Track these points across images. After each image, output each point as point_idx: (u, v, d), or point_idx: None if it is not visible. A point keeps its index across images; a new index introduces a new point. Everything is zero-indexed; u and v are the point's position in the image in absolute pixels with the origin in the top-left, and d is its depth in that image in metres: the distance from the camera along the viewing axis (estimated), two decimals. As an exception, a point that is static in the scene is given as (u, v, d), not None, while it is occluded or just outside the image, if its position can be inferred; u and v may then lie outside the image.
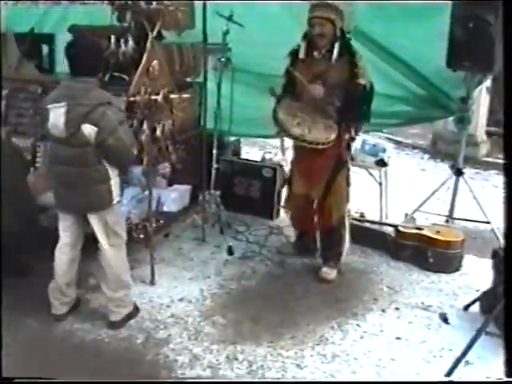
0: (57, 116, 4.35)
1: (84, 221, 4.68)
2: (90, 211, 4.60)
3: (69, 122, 4.31)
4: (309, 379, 4.27)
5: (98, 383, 4.12)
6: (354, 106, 5.24)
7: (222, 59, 6.10)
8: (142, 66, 4.82)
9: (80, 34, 5.40)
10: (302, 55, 5.33)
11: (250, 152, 9.14)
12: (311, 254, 5.89)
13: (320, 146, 5.17)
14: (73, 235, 4.75)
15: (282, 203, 6.31)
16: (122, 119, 4.45)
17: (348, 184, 5.57)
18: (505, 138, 3.63)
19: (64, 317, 4.82)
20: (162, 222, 5.65)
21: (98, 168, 4.47)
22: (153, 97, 4.90)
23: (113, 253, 4.68)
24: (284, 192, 6.20)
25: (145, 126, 4.99)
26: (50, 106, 4.39)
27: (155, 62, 4.87)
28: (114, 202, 4.63)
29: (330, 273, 5.62)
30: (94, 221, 4.60)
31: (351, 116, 5.28)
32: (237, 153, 7.61)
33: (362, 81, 5.19)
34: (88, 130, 4.31)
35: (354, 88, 5.18)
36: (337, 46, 5.19)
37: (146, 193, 5.38)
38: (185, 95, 5.42)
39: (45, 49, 6.72)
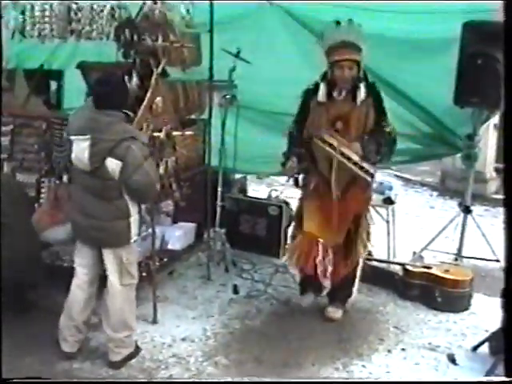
0: (81, 148, 4.32)
1: (101, 257, 4.61)
2: (106, 246, 4.54)
3: (93, 156, 4.28)
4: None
5: (98, 383, 4.04)
6: (377, 151, 5.15)
7: (228, 96, 6.09)
8: (145, 102, 4.81)
9: (107, 71, 5.41)
10: (322, 98, 5.14)
11: (258, 189, 9.09)
12: (317, 291, 5.67)
13: (351, 165, 5.11)
14: (90, 272, 4.68)
15: (288, 243, 6.00)
16: (146, 154, 4.41)
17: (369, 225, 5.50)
18: (505, 174, 3.57)
19: (76, 355, 4.72)
20: (165, 259, 5.64)
21: (119, 203, 4.43)
22: (155, 134, 4.88)
23: (123, 293, 4.60)
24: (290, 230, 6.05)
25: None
26: (73, 138, 4.37)
27: (159, 98, 4.87)
28: (132, 239, 4.57)
29: (335, 312, 5.53)
30: (109, 257, 4.54)
31: (372, 160, 5.18)
32: (243, 190, 7.57)
33: (388, 128, 5.15)
34: (112, 164, 4.28)
35: (380, 134, 5.11)
36: (362, 87, 5.09)
37: (150, 230, 5.33)
38: (188, 132, 5.40)
39: (53, 85, 6.77)
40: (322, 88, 5.14)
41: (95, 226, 4.46)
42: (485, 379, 4.25)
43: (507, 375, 3.42)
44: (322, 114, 5.18)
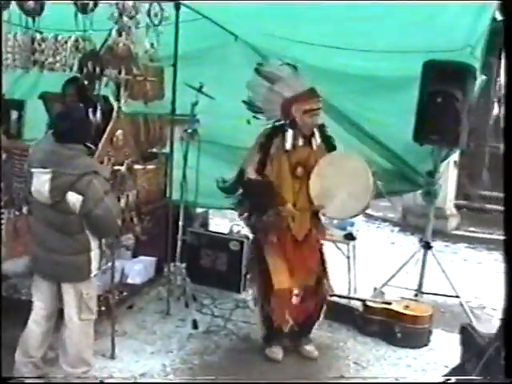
0: (41, 182, 4.26)
1: (59, 291, 4.50)
2: (66, 281, 4.44)
3: (54, 189, 4.22)
4: None
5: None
6: None
7: (189, 130, 6.08)
8: (106, 135, 4.77)
9: (70, 103, 5.59)
10: (288, 146, 5.15)
11: (221, 224, 9.05)
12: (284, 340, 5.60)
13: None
14: (48, 307, 4.57)
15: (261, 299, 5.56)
16: (107, 189, 4.37)
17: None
18: (506, 213, 3.58)
19: None
20: (125, 293, 5.56)
21: (80, 237, 4.36)
22: (116, 167, 4.84)
23: (81, 328, 4.51)
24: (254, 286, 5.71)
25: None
26: (34, 170, 4.31)
27: (119, 131, 4.83)
28: (92, 274, 4.49)
29: (314, 350, 5.47)
30: (69, 291, 4.44)
31: None
32: (205, 224, 7.56)
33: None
34: (73, 199, 4.22)
35: None
36: (316, 131, 5.21)
37: (110, 264, 5.27)
38: (150, 166, 5.37)
39: (14, 114, 6.71)
40: (290, 135, 5.15)
41: (55, 260, 4.38)
42: (484, 379, 4.24)
43: (507, 375, 3.41)
44: (283, 160, 5.20)
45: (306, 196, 5.21)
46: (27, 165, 4.50)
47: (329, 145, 5.30)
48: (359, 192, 5.09)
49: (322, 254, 5.44)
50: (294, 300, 5.31)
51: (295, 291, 5.30)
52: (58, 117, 4.55)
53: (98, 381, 4.47)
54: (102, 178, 4.35)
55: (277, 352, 5.41)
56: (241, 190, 5.37)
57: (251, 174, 5.22)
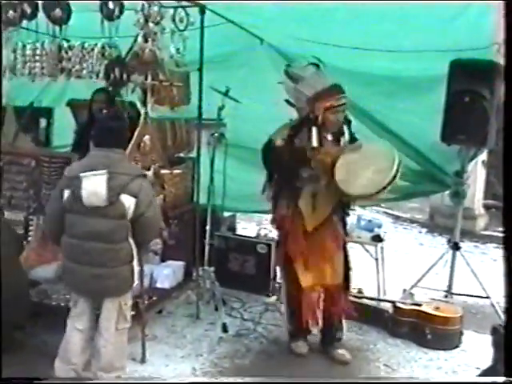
0: (96, 183, 4.19)
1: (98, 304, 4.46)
2: (109, 295, 4.39)
3: (110, 190, 4.19)
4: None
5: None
6: None
7: (216, 135, 6.10)
8: (133, 141, 4.80)
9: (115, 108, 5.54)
10: (315, 143, 5.11)
11: (248, 227, 9.07)
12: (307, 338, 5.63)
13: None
14: (88, 321, 4.50)
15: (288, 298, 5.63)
16: (154, 192, 4.43)
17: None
18: (504, 211, 3.56)
19: None
20: (154, 298, 5.57)
21: (125, 246, 4.32)
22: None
23: (117, 338, 4.49)
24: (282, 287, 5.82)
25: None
26: (83, 175, 4.21)
27: (147, 137, 4.86)
28: (134, 284, 4.50)
29: (346, 354, 5.44)
30: (109, 305, 4.40)
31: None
32: (232, 228, 7.56)
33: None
34: (128, 200, 4.23)
35: None
36: (346, 129, 5.21)
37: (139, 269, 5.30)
38: (176, 171, 5.40)
39: (43, 122, 6.79)
40: (315, 132, 5.12)
41: (97, 274, 4.29)
42: (485, 379, 4.21)
43: (507, 375, 3.38)
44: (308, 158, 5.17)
45: (328, 191, 5.16)
46: (70, 172, 4.36)
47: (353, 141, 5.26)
48: (383, 166, 4.99)
49: (347, 255, 5.41)
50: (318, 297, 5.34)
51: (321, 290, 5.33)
52: (105, 122, 4.57)
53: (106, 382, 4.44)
54: (149, 181, 4.41)
55: (301, 346, 5.45)
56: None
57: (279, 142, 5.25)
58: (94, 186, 4.20)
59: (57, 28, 5.01)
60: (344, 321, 5.54)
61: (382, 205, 10.24)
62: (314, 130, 5.12)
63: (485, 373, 4.88)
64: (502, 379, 3.58)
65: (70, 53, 5.03)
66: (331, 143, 5.20)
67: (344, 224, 5.44)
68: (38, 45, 5.08)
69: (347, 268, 5.40)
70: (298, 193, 5.22)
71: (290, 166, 5.17)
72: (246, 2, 5.33)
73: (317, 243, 5.23)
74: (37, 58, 5.07)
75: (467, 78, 5.74)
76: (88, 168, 4.24)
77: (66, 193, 4.28)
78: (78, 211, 4.26)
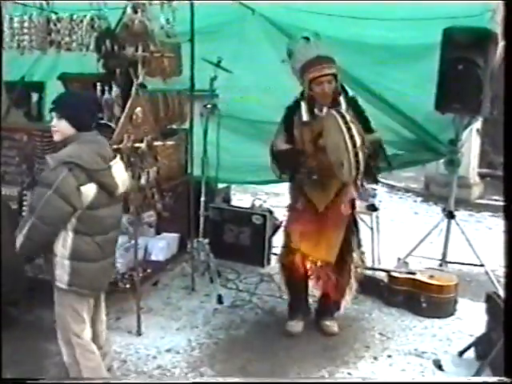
0: (121, 169, 3.99)
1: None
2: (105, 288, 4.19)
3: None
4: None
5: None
6: (373, 161, 5.04)
7: (209, 106, 6.07)
8: (125, 113, 4.77)
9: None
10: (305, 117, 5.07)
11: (243, 199, 9.06)
12: (307, 313, 5.64)
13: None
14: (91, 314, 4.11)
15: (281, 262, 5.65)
16: None
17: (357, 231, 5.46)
18: (505, 181, 3.55)
19: None
20: (149, 270, 5.57)
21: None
22: (136, 144, 4.84)
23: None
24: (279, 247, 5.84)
25: (129, 173, 4.91)
26: (112, 163, 3.87)
27: (139, 109, 4.82)
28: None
29: (334, 325, 5.47)
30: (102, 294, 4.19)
31: (370, 172, 5.08)
32: (227, 200, 7.55)
33: (377, 135, 5.09)
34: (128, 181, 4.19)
35: (370, 145, 4.91)
36: (342, 101, 5.05)
37: (133, 241, 5.30)
38: (170, 142, 5.36)
39: (34, 97, 6.74)
40: (304, 107, 5.08)
41: (113, 262, 4.13)
42: (485, 379, 4.24)
43: (507, 375, 3.40)
44: (304, 132, 5.11)
45: (329, 166, 5.04)
46: (78, 180, 3.71)
47: (359, 116, 5.07)
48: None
49: (350, 229, 5.32)
50: (315, 270, 5.35)
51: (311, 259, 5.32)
52: (94, 101, 4.26)
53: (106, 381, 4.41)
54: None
55: (295, 325, 5.44)
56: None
57: (279, 145, 5.17)
58: (121, 172, 3.99)
59: (44, 1, 4.95)
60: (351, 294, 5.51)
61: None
62: (303, 105, 5.08)
63: (478, 340, 4.93)
64: (503, 379, 3.60)
65: (58, 25, 4.96)
66: (321, 118, 5.04)
67: (353, 204, 5.34)
68: (26, 17, 5.02)
69: (350, 248, 5.34)
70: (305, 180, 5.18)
71: (293, 164, 5.16)
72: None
73: (321, 222, 5.20)
74: (25, 30, 5.01)
75: (461, 45, 5.69)
76: (102, 155, 3.82)
77: (91, 188, 3.74)
78: (105, 204, 3.85)
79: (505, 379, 3.39)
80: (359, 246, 5.46)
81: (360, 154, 4.54)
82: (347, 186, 5.18)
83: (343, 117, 4.62)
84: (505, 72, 3.54)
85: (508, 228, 3.42)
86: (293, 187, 5.36)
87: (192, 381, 4.33)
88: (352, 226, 5.36)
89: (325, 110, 4.99)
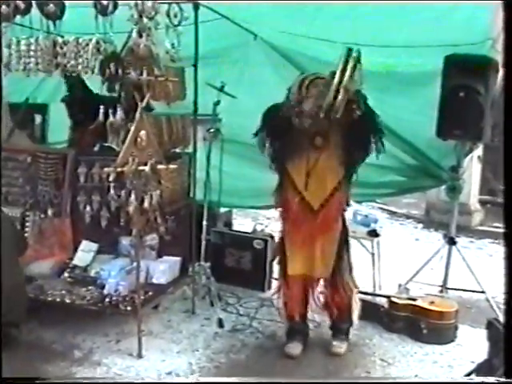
0: None
1: None
2: None
3: None
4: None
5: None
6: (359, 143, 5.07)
7: (212, 130, 6.11)
8: (129, 136, 4.80)
9: None
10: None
11: (244, 223, 9.08)
12: (306, 337, 5.61)
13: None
14: None
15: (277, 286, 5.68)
16: None
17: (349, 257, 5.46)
18: (505, 208, 3.57)
19: None
20: (150, 293, 5.58)
21: None
22: (140, 167, 4.87)
23: None
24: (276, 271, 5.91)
25: (133, 196, 4.96)
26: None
27: (143, 132, 4.85)
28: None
29: (341, 346, 5.47)
30: None
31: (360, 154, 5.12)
32: (228, 224, 7.56)
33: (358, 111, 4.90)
34: None
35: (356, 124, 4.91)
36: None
37: (135, 264, 5.31)
38: (173, 166, 5.38)
39: (38, 118, 6.80)
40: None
41: None
42: (485, 379, 4.22)
43: (507, 375, 3.40)
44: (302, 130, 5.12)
45: (325, 167, 5.13)
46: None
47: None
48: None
49: (343, 245, 5.34)
50: (311, 288, 5.40)
51: (308, 280, 5.37)
52: None
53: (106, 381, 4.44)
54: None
55: (293, 347, 5.43)
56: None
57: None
58: None
59: (51, 23, 5.01)
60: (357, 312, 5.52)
61: (378, 200, 10.26)
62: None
63: (479, 366, 4.91)
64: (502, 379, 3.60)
65: (64, 48, 5.01)
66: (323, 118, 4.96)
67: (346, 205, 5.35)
68: (33, 40, 5.07)
69: (343, 261, 5.35)
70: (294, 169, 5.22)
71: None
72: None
73: (316, 225, 5.21)
74: (31, 53, 5.06)
75: (462, 73, 5.74)
76: None
77: None
78: None
79: (505, 379, 3.39)
80: (349, 263, 5.44)
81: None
82: (342, 185, 5.19)
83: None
84: (504, 99, 3.56)
85: (508, 254, 3.43)
86: (283, 186, 5.32)
87: (192, 381, 4.30)
88: (344, 240, 5.38)
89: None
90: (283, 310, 5.56)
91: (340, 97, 4.64)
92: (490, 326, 4.93)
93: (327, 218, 5.22)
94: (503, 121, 3.58)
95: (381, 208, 10.98)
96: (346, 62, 4.66)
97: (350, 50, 4.71)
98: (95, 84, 5.42)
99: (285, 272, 5.40)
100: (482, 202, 10.88)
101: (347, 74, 4.64)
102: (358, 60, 4.73)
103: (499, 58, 5.70)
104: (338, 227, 5.30)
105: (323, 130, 5.09)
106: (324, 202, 5.18)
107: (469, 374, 4.95)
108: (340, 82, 4.64)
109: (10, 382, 3.68)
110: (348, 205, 5.40)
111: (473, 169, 9.77)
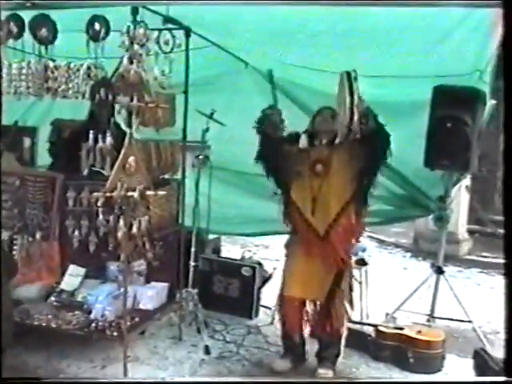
0: None
1: None
2: None
3: None
4: None
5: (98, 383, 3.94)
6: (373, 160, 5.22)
7: (201, 157, 6.14)
8: (118, 161, 4.81)
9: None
10: (302, 145, 5.35)
11: (232, 250, 9.07)
12: (300, 356, 5.69)
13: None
14: None
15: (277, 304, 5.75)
16: None
17: (351, 288, 5.54)
18: (505, 238, 3.59)
19: None
20: (137, 319, 5.54)
21: None
22: (129, 193, 4.87)
23: None
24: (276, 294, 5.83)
25: (121, 222, 4.96)
26: None
27: (132, 158, 4.86)
28: None
29: (327, 374, 5.46)
30: None
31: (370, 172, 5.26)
32: (217, 251, 7.56)
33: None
34: None
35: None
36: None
37: (122, 290, 5.29)
38: (161, 192, 5.39)
39: (27, 141, 6.78)
40: (303, 137, 5.36)
41: None
42: (485, 379, 4.21)
43: (507, 375, 3.39)
44: (303, 158, 5.33)
45: (328, 193, 5.24)
46: None
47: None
48: None
49: (341, 274, 5.36)
50: (307, 311, 5.45)
51: (302, 301, 5.44)
52: None
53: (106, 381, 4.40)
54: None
55: (281, 363, 5.54)
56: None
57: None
58: None
59: (43, 48, 5.05)
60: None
61: (367, 229, 10.27)
62: (303, 136, 5.38)
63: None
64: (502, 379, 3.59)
65: (55, 72, 5.05)
66: (323, 145, 5.33)
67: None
68: (24, 64, 5.10)
69: (339, 288, 5.38)
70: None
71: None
72: (231, 25, 5.40)
73: (320, 243, 5.28)
74: (22, 77, 5.09)
75: (450, 104, 5.79)
76: None
77: None
78: None
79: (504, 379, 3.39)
80: (350, 290, 5.52)
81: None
82: (348, 210, 5.25)
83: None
84: (504, 123, 3.58)
85: (508, 284, 3.44)
86: (290, 213, 5.44)
87: (192, 380, 4.25)
88: (347, 273, 5.43)
89: (324, 140, 5.28)
90: (281, 328, 5.67)
91: (356, 116, 4.90)
92: (477, 355, 4.96)
93: (333, 244, 5.28)
94: (503, 149, 3.60)
95: (370, 236, 11.00)
96: (350, 84, 4.92)
97: (348, 73, 4.96)
98: (85, 107, 5.48)
99: (282, 292, 5.51)
100: (471, 232, 10.93)
101: (355, 94, 4.92)
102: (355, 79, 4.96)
103: (486, 89, 5.77)
104: (342, 255, 5.33)
105: (323, 156, 5.24)
106: (328, 227, 5.25)
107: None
108: (351, 102, 4.90)
109: (10, 382, 3.66)
110: (358, 238, 5.51)
111: (461, 198, 9.83)
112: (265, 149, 5.39)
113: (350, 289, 5.51)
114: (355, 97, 4.94)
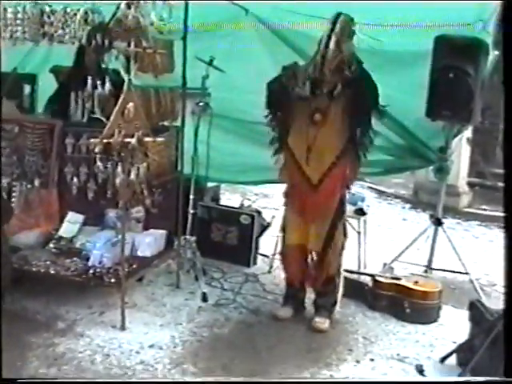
0: None
1: None
2: None
3: None
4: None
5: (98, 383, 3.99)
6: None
7: (201, 104, 6.08)
8: (117, 107, 4.77)
9: None
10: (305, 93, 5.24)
11: (232, 198, 9.07)
12: (300, 304, 5.75)
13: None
14: None
15: (279, 252, 5.96)
16: None
17: (345, 234, 5.56)
18: (506, 191, 3.57)
19: None
20: (135, 266, 5.56)
21: None
22: (127, 139, 4.84)
23: None
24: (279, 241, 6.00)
25: (119, 168, 4.94)
26: None
27: (130, 104, 4.82)
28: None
29: (323, 322, 5.50)
30: None
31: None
32: (216, 199, 7.55)
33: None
34: None
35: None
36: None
37: (120, 236, 5.29)
38: (160, 139, 5.36)
39: (27, 88, 6.74)
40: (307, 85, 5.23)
41: None
42: (485, 379, 4.25)
43: (507, 375, 3.42)
44: (304, 106, 5.25)
45: (322, 142, 5.21)
46: None
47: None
48: None
49: (336, 224, 5.39)
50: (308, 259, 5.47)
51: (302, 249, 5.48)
52: None
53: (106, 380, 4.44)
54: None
55: (282, 310, 5.65)
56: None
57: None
58: None
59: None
60: (340, 291, 5.63)
61: (366, 179, 10.25)
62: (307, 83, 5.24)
63: (460, 347, 4.95)
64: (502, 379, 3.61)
65: (52, 17, 4.99)
66: (323, 95, 5.22)
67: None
68: (20, 8, 5.03)
69: (332, 240, 5.41)
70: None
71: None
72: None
73: (314, 199, 5.32)
74: (18, 22, 5.03)
75: (452, 53, 5.72)
76: None
77: None
78: None
79: (505, 379, 3.41)
80: (345, 233, 5.55)
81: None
82: (341, 160, 5.27)
83: None
84: (504, 78, 3.53)
85: (508, 239, 3.42)
86: (286, 161, 5.46)
87: (192, 380, 4.31)
88: (338, 220, 5.43)
89: (325, 89, 5.17)
90: (284, 276, 5.76)
91: (331, 46, 4.84)
92: (473, 306, 4.98)
93: (325, 193, 5.31)
94: (504, 103, 3.56)
95: (369, 187, 10.99)
96: (334, 23, 4.90)
97: (338, 14, 4.95)
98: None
99: (283, 241, 5.62)
100: (471, 184, 10.90)
101: (337, 28, 4.88)
102: (350, 23, 4.98)
103: (490, 40, 5.70)
104: (335, 204, 5.36)
105: (322, 106, 5.18)
106: (322, 176, 5.26)
107: (450, 354, 5.01)
108: (329, 36, 4.86)
109: (9, 382, 3.68)
110: (349, 186, 5.51)
111: (462, 151, 9.78)
112: (278, 96, 5.31)
113: (345, 236, 5.53)
114: (336, 29, 4.89)
